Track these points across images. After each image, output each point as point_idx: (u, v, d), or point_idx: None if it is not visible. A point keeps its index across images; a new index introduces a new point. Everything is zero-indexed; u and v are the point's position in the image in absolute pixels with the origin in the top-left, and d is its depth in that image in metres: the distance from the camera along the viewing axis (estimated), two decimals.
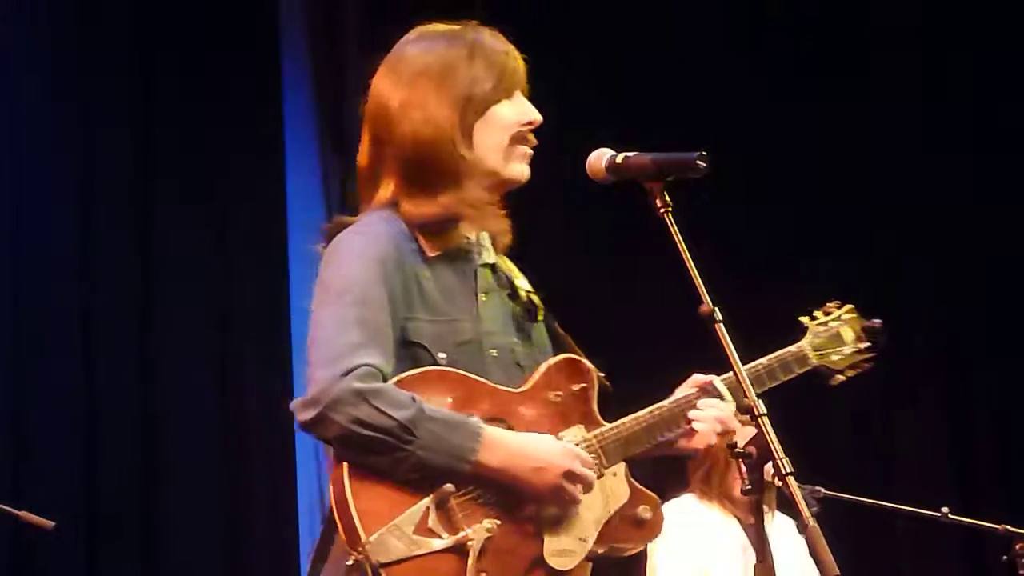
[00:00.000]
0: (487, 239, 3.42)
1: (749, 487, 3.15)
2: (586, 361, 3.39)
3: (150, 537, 6.86)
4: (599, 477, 3.27)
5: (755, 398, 3.04)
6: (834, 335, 3.68)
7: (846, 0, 7.92)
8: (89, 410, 6.80)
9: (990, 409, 7.76)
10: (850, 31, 7.90)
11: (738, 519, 5.35)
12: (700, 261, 3.11)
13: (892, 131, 7.78)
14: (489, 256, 3.41)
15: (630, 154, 3.28)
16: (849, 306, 3.74)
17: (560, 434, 3.28)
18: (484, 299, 3.37)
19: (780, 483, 2.97)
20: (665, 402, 3.36)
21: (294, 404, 3.15)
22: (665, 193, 3.18)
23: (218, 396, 7.14)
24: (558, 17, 7.28)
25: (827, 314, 3.71)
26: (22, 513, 5.44)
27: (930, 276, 7.76)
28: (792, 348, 3.61)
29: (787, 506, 5.31)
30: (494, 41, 3.38)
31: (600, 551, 3.26)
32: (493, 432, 3.16)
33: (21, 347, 6.71)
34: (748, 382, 3.08)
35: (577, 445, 3.26)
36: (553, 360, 3.37)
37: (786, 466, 2.95)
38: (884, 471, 7.64)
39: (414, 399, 3.11)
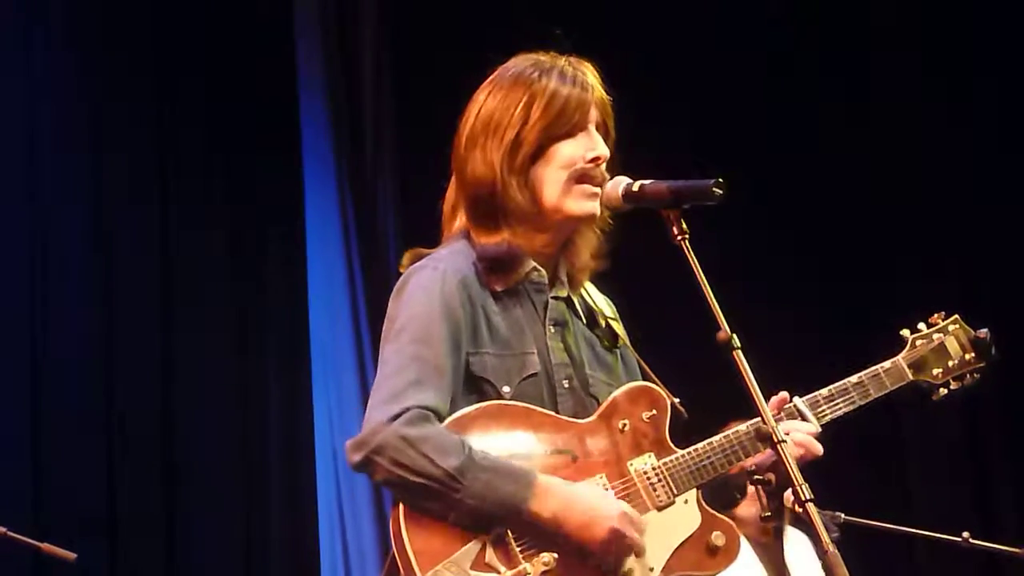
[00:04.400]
0: (564, 272, 3.41)
1: (769, 514, 3.15)
2: (658, 388, 3.37)
3: (170, 542, 6.87)
4: (669, 505, 3.26)
5: (774, 425, 3.03)
6: (938, 348, 3.56)
7: (846, 0, 7.94)
8: (109, 411, 6.82)
9: (1010, 433, 7.73)
10: (850, 31, 7.91)
11: (745, 536, 5.31)
12: (717, 288, 3.11)
13: (892, 131, 7.77)
14: (562, 289, 3.40)
15: (646, 182, 3.28)
16: (955, 316, 3.61)
17: (630, 462, 3.26)
18: (554, 331, 3.35)
19: (800, 509, 2.96)
20: (742, 426, 3.30)
21: (347, 444, 3.16)
22: (682, 220, 3.18)
23: (238, 403, 7.16)
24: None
25: (931, 326, 3.58)
26: (44, 546, 5.44)
27: (933, 280, 7.72)
28: (886, 363, 3.51)
29: (799, 523, 5.31)
30: (567, 74, 3.35)
31: None
32: (545, 482, 3.14)
33: (39, 351, 6.74)
34: (766, 409, 3.07)
35: (646, 473, 3.25)
36: (623, 389, 3.35)
37: (806, 492, 2.94)
38: (903, 496, 7.61)
39: (463, 445, 3.11)
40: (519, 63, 3.39)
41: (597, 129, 3.35)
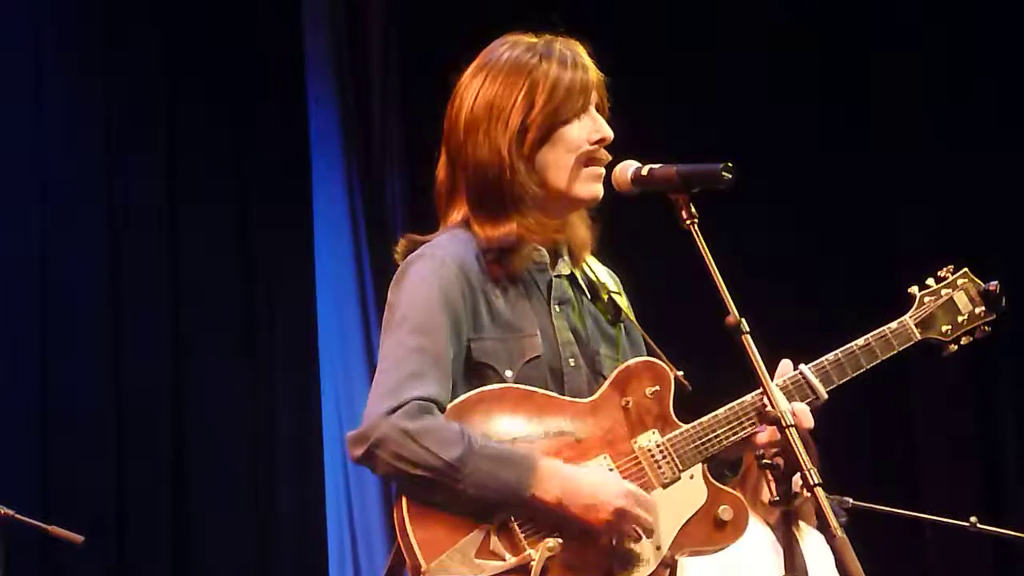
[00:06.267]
0: (565, 249, 3.40)
1: (778, 498, 3.15)
2: (661, 362, 3.34)
3: (179, 541, 6.89)
4: (675, 481, 3.24)
5: (782, 409, 3.03)
6: (946, 303, 3.51)
7: (846, 0, 7.93)
8: (117, 411, 6.83)
9: (1019, 417, 7.73)
10: (850, 31, 7.91)
11: (768, 524, 5.30)
12: (726, 273, 3.12)
13: (892, 131, 7.77)
14: (565, 267, 3.39)
15: (655, 166, 3.27)
16: (964, 270, 3.56)
17: (634, 440, 3.24)
18: (558, 310, 3.34)
19: (808, 494, 2.96)
20: (747, 397, 3.28)
21: (347, 437, 3.15)
22: (691, 204, 3.18)
23: (246, 400, 7.16)
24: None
25: (940, 280, 3.54)
26: (51, 528, 5.47)
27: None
28: (892, 324, 3.46)
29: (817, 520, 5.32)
30: (567, 58, 3.32)
31: (679, 556, 3.23)
32: (547, 465, 3.12)
33: (48, 349, 6.76)
34: (774, 392, 3.07)
35: (650, 451, 3.24)
36: (625, 365, 3.33)
37: (814, 477, 2.94)
38: (912, 481, 7.61)
39: (463, 434, 3.10)
40: (512, 47, 3.36)
41: (596, 109, 3.34)
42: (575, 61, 3.33)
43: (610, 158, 3.34)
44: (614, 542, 3.14)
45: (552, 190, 3.30)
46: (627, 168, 3.31)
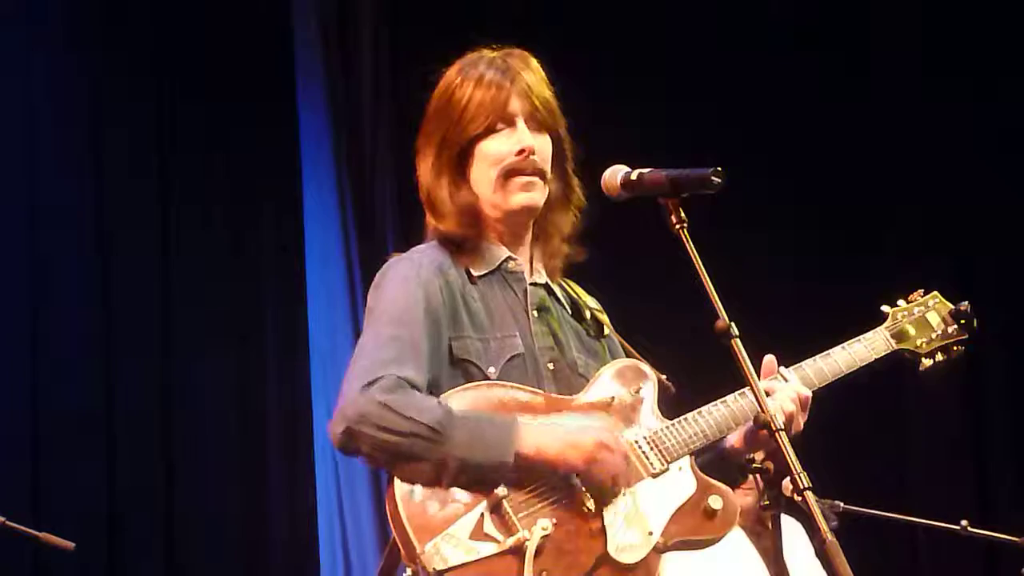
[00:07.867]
0: (539, 261, 3.44)
1: (767, 502, 3.15)
2: (645, 364, 3.40)
3: (169, 540, 6.87)
4: (663, 472, 3.27)
5: (772, 414, 3.04)
6: (920, 321, 3.64)
7: (846, 0, 7.94)
8: (108, 410, 6.82)
9: (1010, 421, 7.74)
10: (850, 31, 7.92)
11: (741, 527, 5.29)
12: (724, 273, 3.11)
13: (891, 130, 7.78)
14: (540, 276, 3.44)
15: (645, 171, 3.28)
16: (934, 293, 3.69)
17: (621, 434, 3.27)
18: (537, 315, 3.39)
19: (798, 498, 2.96)
20: (731, 396, 3.34)
21: (329, 423, 3.17)
22: (680, 209, 3.18)
23: (237, 399, 7.16)
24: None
25: (910, 302, 3.66)
26: (42, 535, 5.44)
27: (935, 279, 7.71)
28: (868, 334, 3.56)
29: (796, 512, 5.32)
30: (487, 73, 3.37)
31: (670, 544, 3.25)
32: (526, 421, 3.16)
33: (39, 350, 6.74)
34: (764, 397, 3.07)
35: (636, 442, 3.27)
36: (610, 366, 3.38)
37: (804, 481, 2.95)
38: (902, 484, 7.62)
39: (440, 403, 3.13)
40: (454, 66, 3.43)
41: (529, 119, 3.37)
42: (497, 72, 3.38)
43: (540, 165, 3.36)
44: (597, 484, 3.16)
45: (487, 203, 3.37)
46: (616, 173, 3.33)
